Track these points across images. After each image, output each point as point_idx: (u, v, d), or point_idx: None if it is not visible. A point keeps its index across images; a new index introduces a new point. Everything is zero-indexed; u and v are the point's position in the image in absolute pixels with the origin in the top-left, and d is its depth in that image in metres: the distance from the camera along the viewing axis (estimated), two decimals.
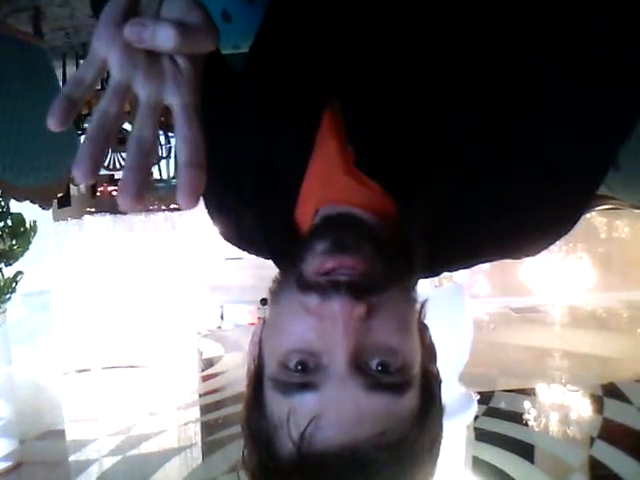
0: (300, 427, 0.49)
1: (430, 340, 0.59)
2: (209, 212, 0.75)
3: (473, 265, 0.67)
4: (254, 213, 0.68)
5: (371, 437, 0.49)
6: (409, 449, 0.50)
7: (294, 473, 0.50)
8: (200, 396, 4.90)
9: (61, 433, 4.37)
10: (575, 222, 0.58)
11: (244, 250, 0.76)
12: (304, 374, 0.51)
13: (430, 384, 0.56)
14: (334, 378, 0.50)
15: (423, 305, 0.59)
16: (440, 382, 0.58)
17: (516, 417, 4.02)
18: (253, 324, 6.32)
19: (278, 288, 0.58)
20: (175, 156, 5.32)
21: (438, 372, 0.59)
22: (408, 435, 0.50)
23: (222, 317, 6.81)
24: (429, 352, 0.58)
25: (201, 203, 0.76)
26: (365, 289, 0.51)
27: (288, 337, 0.53)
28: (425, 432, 0.52)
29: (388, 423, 0.49)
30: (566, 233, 0.59)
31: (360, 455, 0.48)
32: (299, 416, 0.50)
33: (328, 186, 0.62)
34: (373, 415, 0.49)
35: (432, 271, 0.66)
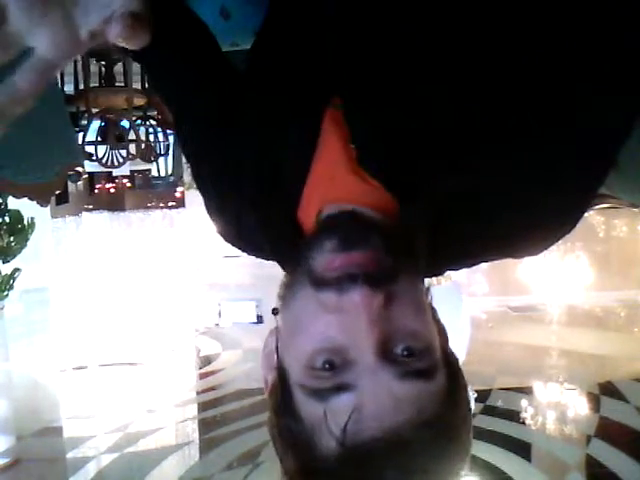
0: (340, 424, 0.49)
1: (441, 323, 0.60)
2: (210, 213, 0.75)
3: (476, 264, 0.67)
4: (256, 214, 0.67)
5: (410, 419, 0.50)
6: (446, 426, 0.52)
7: (340, 468, 0.50)
8: (198, 394, 4.89)
9: (58, 430, 4.36)
10: (577, 221, 0.59)
11: (244, 251, 0.75)
12: (334, 374, 0.51)
13: (452, 364, 0.57)
14: (366, 373, 0.51)
15: (428, 289, 0.59)
16: (458, 360, 0.59)
17: (513, 415, 4.03)
18: (251, 322, 6.31)
19: (289, 291, 0.57)
20: (173, 154, 5.31)
21: (453, 352, 0.59)
22: (444, 413, 0.52)
23: (220, 314, 6.81)
24: (443, 334, 0.59)
25: (202, 202, 0.76)
26: (381, 279, 0.51)
27: (310, 338, 0.53)
28: (457, 409, 0.54)
29: (424, 405, 0.51)
30: (568, 232, 0.60)
31: (403, 437, 0.49)
32: (337, 414, 0.50)
33: (331, 185, 0.61)
34: (409, 401, 0.50)
35: (437, 269, 0.67)
